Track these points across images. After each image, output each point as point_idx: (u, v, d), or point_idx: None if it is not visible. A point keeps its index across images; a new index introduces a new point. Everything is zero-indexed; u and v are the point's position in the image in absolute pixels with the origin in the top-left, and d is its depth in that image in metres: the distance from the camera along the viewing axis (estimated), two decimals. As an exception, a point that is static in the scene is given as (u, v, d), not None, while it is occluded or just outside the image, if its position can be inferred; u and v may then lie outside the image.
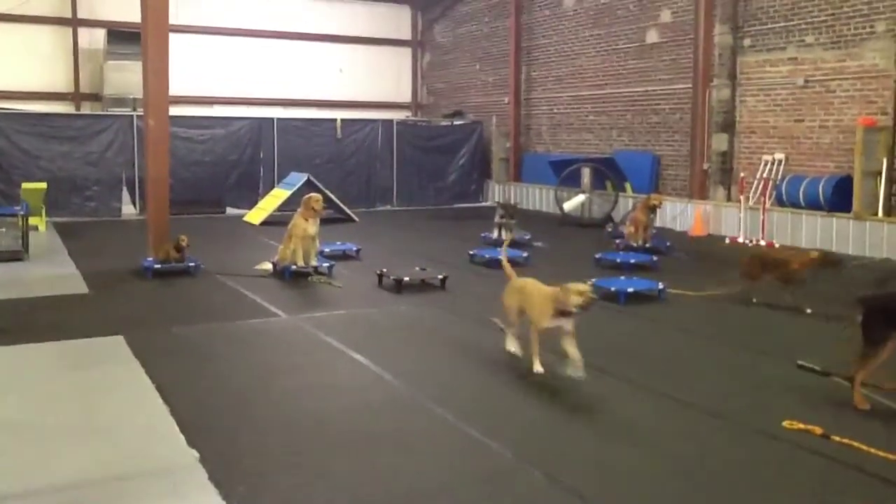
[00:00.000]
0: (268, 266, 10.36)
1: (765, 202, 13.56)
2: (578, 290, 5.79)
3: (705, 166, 15.15)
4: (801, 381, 6.04)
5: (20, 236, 11.30)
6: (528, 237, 13.03)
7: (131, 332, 7.23)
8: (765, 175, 14.02)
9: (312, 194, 10.53)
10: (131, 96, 18.09)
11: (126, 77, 18.31)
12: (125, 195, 17.08)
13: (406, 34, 24.05)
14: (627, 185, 16.40)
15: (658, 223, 13.42)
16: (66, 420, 5.20)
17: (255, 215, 15.93)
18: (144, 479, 4.30)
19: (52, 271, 10.50)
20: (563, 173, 16.34)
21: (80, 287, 9.47)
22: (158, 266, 10.08)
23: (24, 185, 14.29)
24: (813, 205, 12.95)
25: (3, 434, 4.96)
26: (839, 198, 12.57)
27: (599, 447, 4.79)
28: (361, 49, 23.10)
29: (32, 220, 12.99)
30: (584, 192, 16.11)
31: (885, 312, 5.35)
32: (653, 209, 12.63)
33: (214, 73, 21.12)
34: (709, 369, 6.45)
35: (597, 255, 11.19)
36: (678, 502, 4.08)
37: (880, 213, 12.23)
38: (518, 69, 20.04)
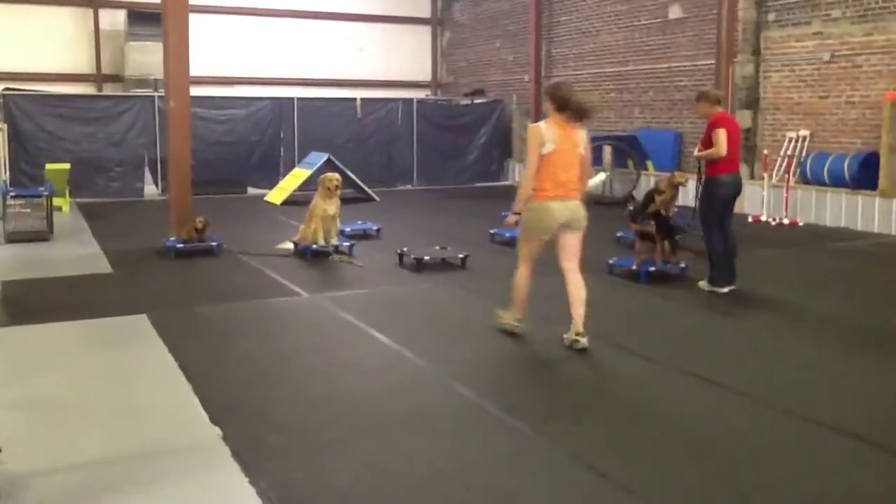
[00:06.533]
0: (289, 245, 10.40)
1: (788, 179, 13.40)
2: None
3: (728, 143, 14.94)
4: (821, 358, 6.00)
5: (45, 217, 11.41)
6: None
7: (155, 311, 7.29)
8: (789, 152, 13.83)
9: (327, 174, 10.54)
10: (152, 77, 18.11)
11: (147, 58, 18.37)
12: (147, 175, 17.19)
13: (425, 12, 23.90)
14: (649, 164, 16.26)
15: (679, 201, 13.27)
16: (89, 398, 5.26)
17: (276, 195, 15.96)
18: (167, 456, 4.34)
19: (77, 251, 10.60)
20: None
21: (104, 267, 9.55)
22: (181, 246, 10.15)
23: (48, 167, 14.41)
24: (838, 182, 12.79)
25: (28, 412, 5.02)
26: (865, 175, 12.40)
27: (622, 425, 4.77)
28: (381, 28, 22.99)
29: (57, 201, 13.08)
30: (604, 170, 15.98)
31: None
32: (676, 187, 12.47)
33: (235, 54, 21.12)
34: (733, 347, 6.41)
35: (618, 234, 11.13)
36: (701, 482, 4.06)
37: (907, 191, 12.07)
38: (538, 47, 19.86)
